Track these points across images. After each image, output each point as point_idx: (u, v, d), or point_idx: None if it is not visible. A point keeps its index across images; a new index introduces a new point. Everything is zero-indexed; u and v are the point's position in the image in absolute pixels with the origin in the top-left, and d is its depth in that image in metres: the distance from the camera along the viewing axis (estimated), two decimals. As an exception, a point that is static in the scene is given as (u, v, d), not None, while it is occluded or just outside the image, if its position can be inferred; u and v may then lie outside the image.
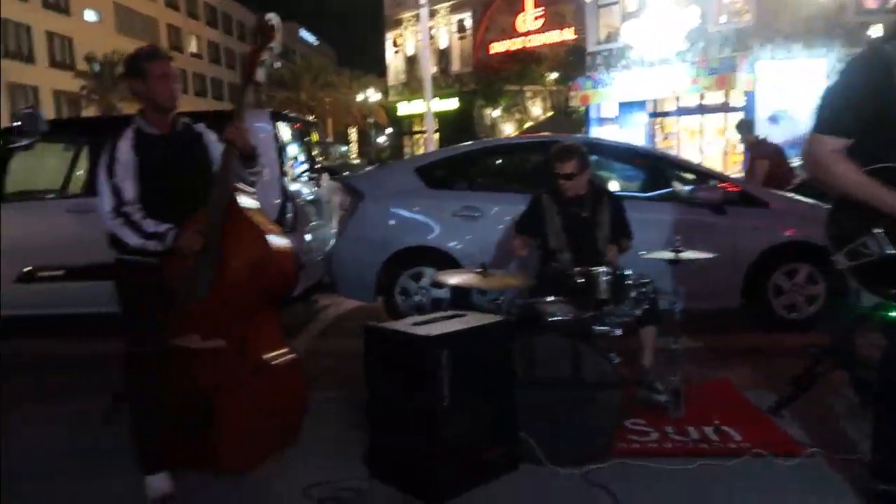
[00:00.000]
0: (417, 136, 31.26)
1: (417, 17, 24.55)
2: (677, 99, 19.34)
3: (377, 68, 38.66)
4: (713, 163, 17.19)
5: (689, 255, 3.41)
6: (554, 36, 24.36)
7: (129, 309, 2.83)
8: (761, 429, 3.32)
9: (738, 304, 5.17)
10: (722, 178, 5.48)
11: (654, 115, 20.21)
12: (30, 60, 34.36)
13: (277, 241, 2.82)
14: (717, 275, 4.73)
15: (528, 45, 25.09)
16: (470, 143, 6.61)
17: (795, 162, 10.08)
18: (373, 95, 39.41)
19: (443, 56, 28.77)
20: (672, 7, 18.18)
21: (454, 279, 3.45)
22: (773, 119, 16.75)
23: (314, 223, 6.18)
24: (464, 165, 5.68)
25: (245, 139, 2.73)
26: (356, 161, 22.97)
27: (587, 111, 21.73)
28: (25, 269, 5.65)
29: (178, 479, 2.83)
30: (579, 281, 3.24)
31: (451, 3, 27.83)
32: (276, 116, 5.80)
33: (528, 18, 25.29)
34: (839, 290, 4.90)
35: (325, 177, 6.94)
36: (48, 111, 34.96)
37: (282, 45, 2.82)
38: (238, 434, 2.81)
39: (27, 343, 5.55)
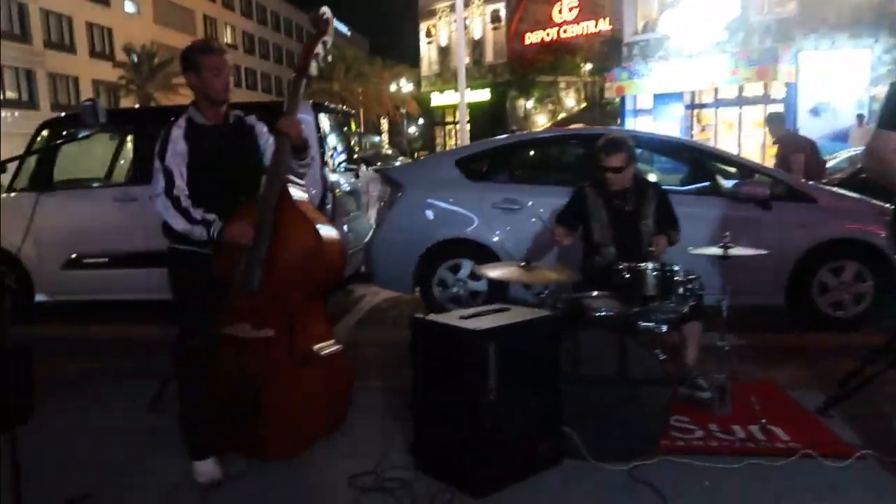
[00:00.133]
0: (449, 126, 31.23)
1: (452, 7, 24.49)
2: (715, 90, 18.99)
3: (410, 59, 38.71)
4: (751, 156, 16.86)
5: (738, 251, 3.34)
6: (589, 26, 24.08)
7: (181, 297, 2.87)
8: (809, 429, 3.26)
9: (783, 302, 5.07)
10: (768, 172, 5.35)
11: (691, 106, 19.88)
12: (71, 51, 35.08)
13: (328, 233, 2.85)
14: (761, 271, 4.65)
15: (562, 35, 24.82)
16: (510, 134, 6.59)
17: (843, 155, 9.89)
18: (405, 86, 39.43)
19: (476, 47, 28.65)
20: (712, -3, 17.86)
21: (497, 272, 3.44)
22: (815, 111, 16.37)
23: (352, 214, 6.22)
24: (504, 157, 5.65)
25: (298, 131, 2.76)
26: (388, 151, 23.00)
27: (622, 102, 21.46)
28: (71, 256, 5.80)
29: (224, 464, 2.88)
30: (626, 276, 3.19)
31: (485, -7, 27.70)
32: (318, 107, 5.84)
33: (564, 8, 25.01)
34: (890, 288, 4.81)
35: (363, 167, 6.98)
36: (88, 101, 35.65)
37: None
38: (285, 422, 2.85)
39: (72, 327, 5.68)
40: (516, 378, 2.68)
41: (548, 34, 25.29)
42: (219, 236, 2.72)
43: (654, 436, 2.96)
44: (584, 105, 25.60)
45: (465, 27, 24.30)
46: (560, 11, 25.04)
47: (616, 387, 2.92)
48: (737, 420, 3.34)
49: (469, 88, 16.99)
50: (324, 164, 5.50)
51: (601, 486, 2.76)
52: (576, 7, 24.56)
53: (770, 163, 14.57)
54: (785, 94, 17.04)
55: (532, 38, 25.86)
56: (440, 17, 30.59)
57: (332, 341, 2.98)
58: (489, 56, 28.81)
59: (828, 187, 5.54)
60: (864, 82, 15.86)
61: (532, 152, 6.03)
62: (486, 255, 5.18)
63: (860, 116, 14.70)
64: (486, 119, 25.54)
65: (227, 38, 50.10)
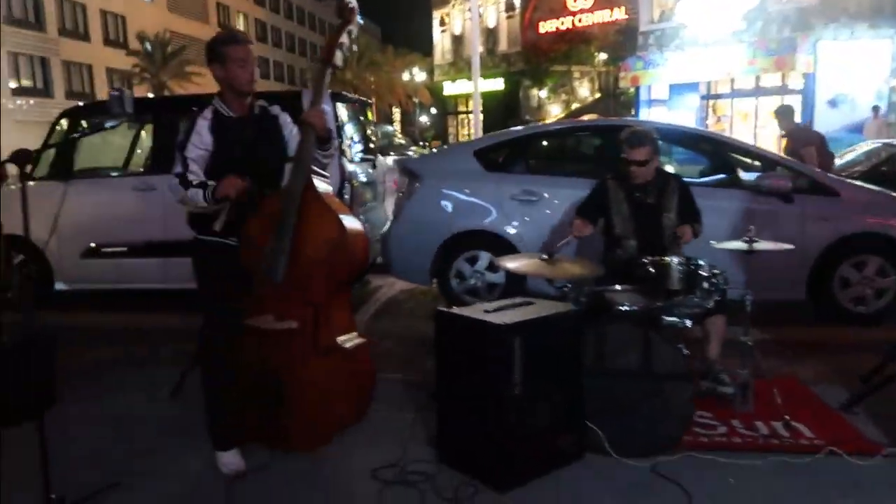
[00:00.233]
0: (462, 116, 31.13)
1: (466, -5, 24.34)
2: (732, 81, 18.78)
3: (422, 47, 38.56)
4: (766, 147, 16.69)
5: (763, 245, 3.30)
6: (605, 15, 23.86)
7: (206, 288, 2.88)
8: (833, 426, 3.23)
9: (804, 297, 5.02)
10: (790, 165, 5.28)
11: (707, 97, 19.69)
12: (85, 39, 35.18)
13: (352, 224, 2.84)
14: (782, 266, 4.60)
15: (577, 24, 24.62)
16: (529, 125, 6.55)
17: (862, 148, 9.75)
18: (417, 75, 39.30)
19: (490, 35, 28.49)
20: (730, -14, 17.63)
21: (519, 265, 3.43)
22: (833, 103, 16.16)
23: (369, 204, 6.21)
24: (523, 149, 5.61)
25: (323, 122, 2.74)
26: (402, 141, 22.94)
27: (637, 93, 21.28)
28: (90, 245, 5.83)
29: (247, 456, 2.89)
30: (651, 270, 3.17)
31: (499, -19, 27.51)
32: (336, 97, 5.83)
33: (579, -3, 24.82)
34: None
35: (379, 158, 6.96)
36: (101, 88, 35.87)
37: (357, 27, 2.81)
38: (308, 414, 2.86)
39: (89, 316, 5.71)
40: (540, 372, 2.67)
41: (562, 23, 25.08)
42: (213, 195, 2.67)
43: (677, 431, 2.95)
44: (597, 95, 25.44)
45: (479, 15, 24.15)
46: (575, 0, 24.83)
47: (639, 381, 2.91)
48: (760, 416, 3.32)
49: (482, 78, 16.89)
50: (342, 154, 5.49)
51: (624, 482, 2.75)
52: (591, -5, 24.35)
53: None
54: (803, 84, 16.82)
55: (546, 26, 25.66)
56: (454, 6, 30.44)
57: (354, 333, 2.98)
58: (503, 45, 28.65)
59: (850, 180, 5.47)
60: (883, 73, 15.63)
61: (551, 143, 5.98)
62: (504, 246, 5.16)
63: (876, 108, 14.52)
64: (500, 109, 25.44)
65: (241, 26, 50.03)
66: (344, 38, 2.80)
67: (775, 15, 17.39)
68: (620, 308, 3.09)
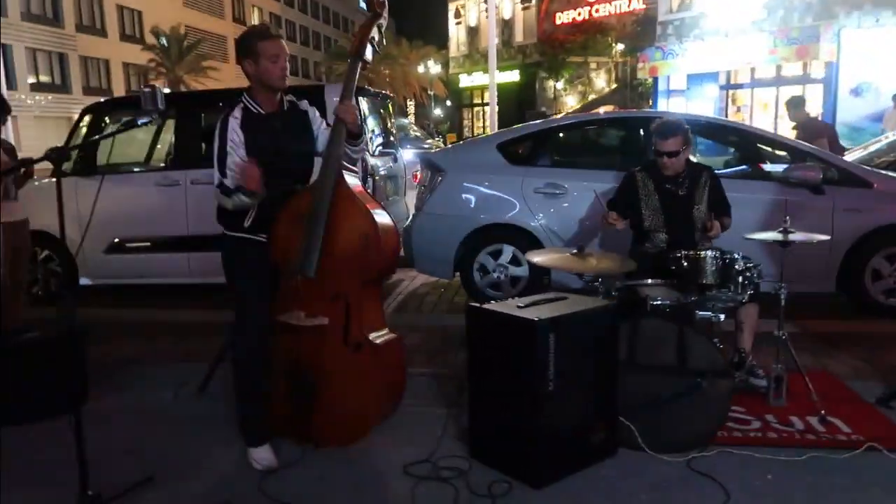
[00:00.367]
0: (477, 108, 31.01)
1: (481, -13, 24.18)
2: (752, 70, 18.53)
3: (437, 40, 38.41)
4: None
5: (798, 236, 3.24)
6: (622, 5, 23.60)
7: (236, 284, 2.86)
8: (870, 421, 3.18)
9: (833, 290, 4.95)
10: (821, 156, 5.19)
11: (727, 87, 19.44)
12: (102, 34, 35.40)
13: (383, 219, 2.81)
14: (812, 257, 4.54)
15: (594, 14, 24.38)
16: (553, 118, 6.49)
17: (890, 138, 9.54)
18: (432, 67, 39.18)
19: (506, 27, 28.30)
20: (751, -26, 17.36)
21: (548, 259, 3.39)
22: (856, 91, 15.89)
23: (391, 198, 6.20)
24: (546, 141, 5.56)
25: (355, 117, 2.72)
26: (417, 134, 22.88)
27: (654, 83, 21.07)
28: (114, 240, 5.86)
29: (279, 451, 2.88)
30: (684, 264, 3.12)
31: (515, -28, 27.31)
32: (357, 91, 5.79)
33: (596, -13, 24.56)
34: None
35: (400, 151, 6.94)
36: (118, 84, 36.13)
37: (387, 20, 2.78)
38: (339, 410, 2.85)
39: (112, 311, 5.74)
40: (575, 368, 2.64)
41: (579, 13, 24.85)
42: (249, 194, 2.66)
43: (712, 427, 2.90)
44: (614, 86, 25.21)
45: (496, 7, 24.02)
46: (592, -10, 24.60)
47: (675, 377, 2.86)
48: (794, 411, 3.27)
49: (498, 70, 16.80)
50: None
51: (659, 478, 2.71)
52: (608, -15, 24.09)
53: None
54: (825, 73, 16.57)
55: (563, 17, 25.43)
56: (469, -3, 30.29)
57: (386, 329, 2.96)
58: (519, 36, 28.45)
59: (885, 172, 5.36)
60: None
61: (575, 136, 5.92)
62: (528, 240, 5.13)
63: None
64: (515, 101, 25.29)
65: (255, 19, 50.11)
66: (374, 33, 2.77)
67: (797, 3, 17.10)
68: (654, 303, 3.04)
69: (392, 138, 6.91)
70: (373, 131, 6.16)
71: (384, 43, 2.78)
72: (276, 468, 2.80)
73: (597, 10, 24.37)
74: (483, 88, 27.71)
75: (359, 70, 2.83)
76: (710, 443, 2.90)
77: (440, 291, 6.23)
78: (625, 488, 2.66)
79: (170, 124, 5.97)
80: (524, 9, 27.92)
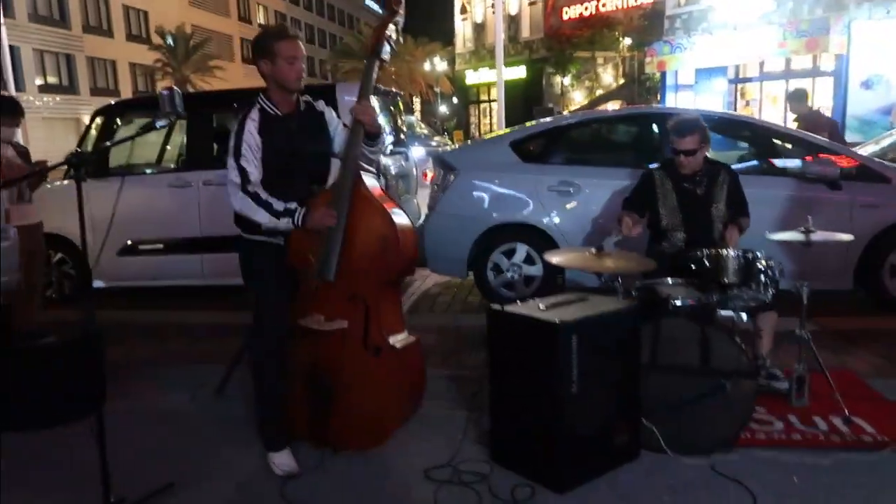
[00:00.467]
0: (484, 105, 30.93)
1: (488, -18, 24.07)
2: (761, 64, 18.38)
3: (443, 36, 38.29)
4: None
5: (820, 236, 3.20)
6: (629, -1, 23.51)
7: (255, 288, 2.85)
8: (894, 420, 3.13)
9: (851, 286, 4.90)
10: (840, 150, 5.13)
11: (735, 80, 19.30)
12: (108, 35, 35.49)
13: (402, 220, 2.79)
14: (829, 254, 4.49)
15: (601, 9, 24.27)
16: (567, 115, 6.45)
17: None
18: (438, 64, 39.06)
19: (512, 22, 28.20)
20: (759, -34, 17.22)
21: (567, 259, 3.36)
22: (867, 84, 15.74)
23: (402, 197, 6.17)
24: (560, 139, 5.52)
25: (373, 118, 2.69)
26: (425, 131, 22.84)
27: (662, 78, 20.93)
28: (127, 243, 5.86)
29: (299, 455, 2.87)
30: (706, 263, 3.08)
31: (521, -33, 27.19)
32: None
33: (603, -19, 24.44)
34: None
35: (411, 150, 6.91)
36: (125, 84, 36.23)
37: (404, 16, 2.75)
38: (360, 413, 2.83)
39: (125, 313, 5.74)
40: (598, 370, 2.61)
41: (586, 8, 24.75)
42: (303, 223, 2.66)
43: (736, 429, 2.87)
44: (621, 81, 25.09)
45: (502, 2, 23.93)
46: (600, -16, 24.48)
47: (698, 378, 2.83)
48: (817, 411, 3.23)
49: (504, 66, 16.72)
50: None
51: (683, 480, 2.69)
52: (616, -21, 23.97)
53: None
54: (835, 66, 16.42)
55: (570, 12, 25.34)
56: (475, -7, 30.19)
57: (405, 332, 2.94)
58: (525, 32, 28.34)
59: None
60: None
61: (589, 133, 5.88)
62: (542, 239, 5.10)
63: None
64: (522, 97, 25.19)
65: (260, 18, 50.21)
66: (391, 31, 2.74)
67: (807, -5, 16.97)
68: (675, 302, 3.00)
69: (403, 136, 6.88)
70: (384, 130, 6.13)
71: (401, 41, 2.75)
72: (297, 473, 2.78)
73: (604, 5, 24.26)
74: (489, 85, 27.67)
75: (376, 69, 2.80)
76: (734, 445, 2.87)
77: (453, 291, 6.20)
78: (648, 491, 2.63)
79: (181, 125, 5.96)
80: (530, 4, 27.81)
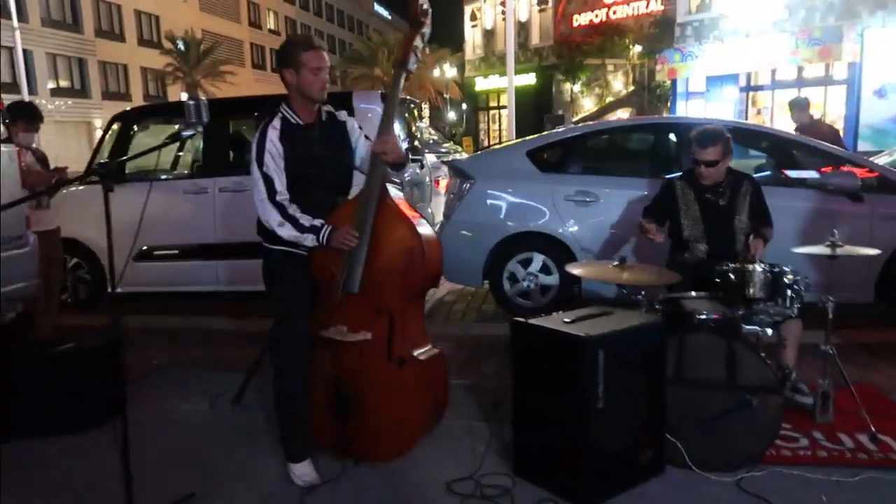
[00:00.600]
0: (493, 111, 30.92)
1: (498, -11, 24.08)
2: (773, 72, 18.32)
3: (452, 43, 38.34)
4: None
5: (846, 250, 3.17)
6: (640, 6, 23.43)
7: (278, 298, 2.83)
8: (923, 439, 3.09)
9: (872, 299, 4.84)
10: (860, 162, 5.09)
11: (747, 88, 19.23)
12: (120, 39, 35.71)
13: (427, 232, 2.77)
14: (850, 267, 4.44)
15: (612, 16, 24.22)
16: (584, 124, 6.42)
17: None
18: (448, 71, 39.11)
19: (522, 29, 28.20)
20: (772, -26, 17.17)
21: (590, 271, 3.34)
22: (880, 93, 15.66)
23: (417, 206, 6.16)
24: (577, 148, 5.50)
25: (398, 154, 2.69)
26: (435, 137, 22.88)
27: (673, 85, 20.88)
28: (142, 248, 5.87)
29: (319, 466, 2.85)
30: (732, 277, 3.05)
31: (531, -26, 27.19)
32: (383, 97, 5.78)
33: (613, -12, 24.38)
34: None
35: (426, 158, 6.91)
36: (136, 88, 36.43)
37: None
38: (382, 425, 2.81)
39: (143, 318, 5.75)
40: (623, 385, 2.59)
41: (596, 15, 24.67)
42: (327, 242, 2.66)
43: (762, 446, 2.83)
44: (632, 89, 25.03)
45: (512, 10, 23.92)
46: (610, -9, 24.42)
47: (723, 393, 2.80)
48: (842, 427, 3.19)
49: (514, 73, 16.75)
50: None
51: (708, 498, 2.65)
52: (626, -14, 23.91)
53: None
54: (847, 74, 16.35)
55: (580, 19, 25.27)
56: (485, 0, 30.20)
57: (429, 345, 2.92)
58: (535, 39, 28.31)
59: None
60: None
61: (606, 142, 5.85)
62: (559, 248, 5.08)
63: None
64: (532, 104, 25.16)
65: (271, 23, 50.44)
66: (417, 42, 2.73)
67: (819, 3, 16.89)
68: (700, 317, 2.97)
69: (417, 144, 6.87)
70: (398, 138, 6.12)
71: (427, 51, 2.75)
72: (318, 484, 2.76)
73: (614, 12, 24.20)
74: (499, 91, 27.62)
75: (403, 80, 2.79)
76: (760, 462, 2.83)
77: (467, 300, 6.18)
78: (673, 508, 2.60)
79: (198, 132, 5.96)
80: (540, 11, 27.78)
